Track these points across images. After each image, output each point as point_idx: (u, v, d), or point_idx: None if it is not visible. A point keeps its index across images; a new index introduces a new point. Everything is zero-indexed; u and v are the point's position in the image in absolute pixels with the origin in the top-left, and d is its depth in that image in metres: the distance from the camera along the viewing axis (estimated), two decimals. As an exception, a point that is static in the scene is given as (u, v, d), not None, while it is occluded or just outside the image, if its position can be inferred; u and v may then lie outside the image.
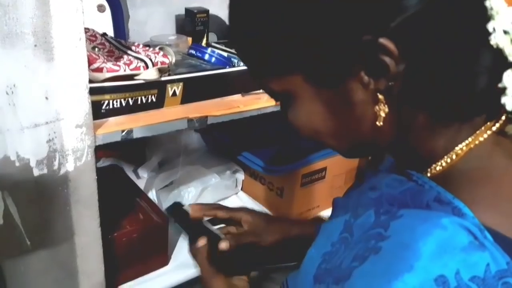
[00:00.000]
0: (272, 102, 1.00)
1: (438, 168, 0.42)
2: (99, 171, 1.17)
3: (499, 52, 0.38)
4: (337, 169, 1.29)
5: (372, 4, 0.37)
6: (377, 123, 0.42)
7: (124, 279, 0.96)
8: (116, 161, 1.23)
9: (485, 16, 0.38)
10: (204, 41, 1.12)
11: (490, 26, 0.38)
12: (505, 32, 0.38)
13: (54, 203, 0.74)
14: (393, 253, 0.36)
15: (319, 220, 0.75)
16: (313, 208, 1.28)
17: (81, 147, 0.72)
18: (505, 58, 0.38)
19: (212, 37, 1.22)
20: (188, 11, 1.11)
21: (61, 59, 0.65)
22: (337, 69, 0.41)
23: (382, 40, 0.38)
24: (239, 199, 1.34)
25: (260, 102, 0.99)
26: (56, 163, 0.71)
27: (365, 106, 0.42)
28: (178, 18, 1.20)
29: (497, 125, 0.42)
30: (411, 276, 0.34)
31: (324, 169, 1.26)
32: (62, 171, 0.72)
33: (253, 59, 0.46)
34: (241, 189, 1.37)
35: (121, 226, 0.93)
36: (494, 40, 0.38)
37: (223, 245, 0.66)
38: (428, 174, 0.43)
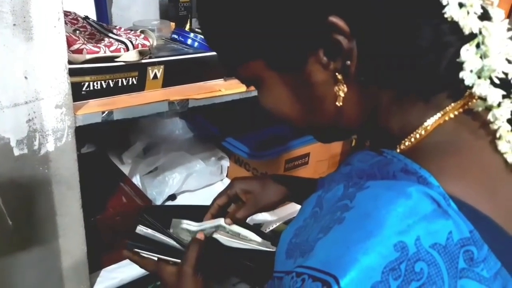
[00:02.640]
0: (254, 86, 1.02)
1: (407, 143, 0.42)
2: (83, 157, 1.19)
3: (456, 26, 0.38)
4: (320, 154, 1.31)
5: None
6: (337, 103, 0.43)
7: (108, 261, 0.97)
8: (100, 147, 1.23)
9: None
10: (188, 26, 1.13)
11: None
12: (461, 5, 0.38)
13: (35, 183, 0.74)
14: (355, 222, 0.36)
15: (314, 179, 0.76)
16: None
17: (61, 128, 0.72)
18: (462, 32, 0.38)
19: (196, 22, 1.22)
20: (171, -4, 1.12)
21: (40, 39, 0.66)
22: (295, 53, 0.42)
23: (332, 18, 0.39)
24: (224, 186, 1.34)
25: (243, 86, 0.99)
26: (36, 143, 0.71)
27: (326, 87, 0.43)
28: (161, 4, 1.21)
29: (466, 103, 0.41)
30: (369, 242, 0.33)
31: (307, 154, 1.27)
32: (42, 151, 0.72)
33: (218, 47, 0.48)
34: (226, 175, 1.38)
35: (104, 209, 0.94)
36: (449, 12, 0.38)
37: (227, 221, 0.70)
38: (398, 150, 0.43)
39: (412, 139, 0.42)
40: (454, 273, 0.33)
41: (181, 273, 0.64)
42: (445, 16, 0.38)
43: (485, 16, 0.39)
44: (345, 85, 0.42)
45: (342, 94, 0.42)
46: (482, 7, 0.39)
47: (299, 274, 0.37)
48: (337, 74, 0.41)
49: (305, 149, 1.27)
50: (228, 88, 0.95)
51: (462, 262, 0.33)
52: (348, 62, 0.40)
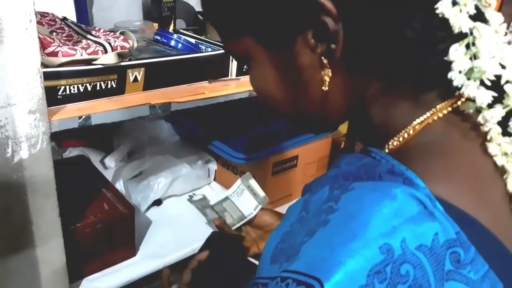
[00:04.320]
0: (239, 88, 0.99)
1: (395, 143, 0.42)
2: (65, 161, 1.16)
3: (447, 24, 0.37)
4: (309, 157, 1.28)
5: None
6: (323, 87, 0.42)
7: (90, 270, 0.94)
8: (83, 151, 1.20)
9: None
10: (172, 27, 1.10)
11: None
12: (454, 3, 0.37)
13: (9, 192, 0.71)
14: (340, 224, 0.35)
15: None
16: (285, 197, 1.28)
17: (35, 134, 0.69)
18: (452, 30, 0.37)
19: (181, 23, 1.19)
20: (154, -4, 1.09)
21: (10, 42, 0.63)
22: (284, 32, 0.42)
23: None
24: (212, 189, 1.32)
25: (228, 88, 0.97)
26: (9, 150, 0.68)
27: (312, 71, 0.42)
28: (145, 4, 1.18)
29: (457, 103, 0.41)
30: (354, 244, 0.32)
31: (296, 157, 1.25)
32: (16, 159, 0.69)
33: (214, 21, 0.49)
34: (214, 179, 1.35)
35: (85, 217, 0.91)
36: (441, 8, 0.37)
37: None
38: (386, 150, 0.42)
39: (401, 139, 0.41)
40: (440, 275, 0.32)
41: None
42: (437, 12, 0.37)
43: (479, 17, 0.38)
44: (330, 70, 0.42)
45: (327, 79, 0.42)
46: (478, 9, 0.38)
47: (283, 279, 0.36)
48: (322, 58, 0.41)
49: (294, 151, 1.25)
50: (212, 91, 0.93)
51: (449, 264, 0.32)
52: (333, 46, 0.40)
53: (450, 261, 0.32)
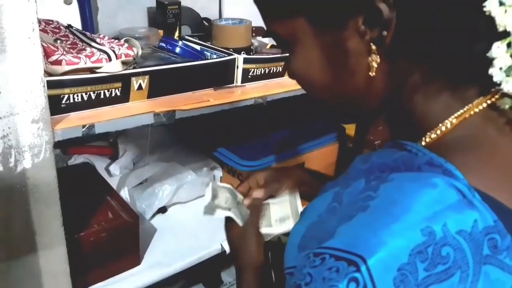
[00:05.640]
0: (245, 96, 0.98)
1: (433, 136, 0.43)
2: (70, 169, 1.16)
3: (492, 22, 0.39)
4: (315, 164, 1.27)
5: None
6: (370, 73, 0.43)
7: (94, 279, 0.93)
8: (88, 158, 1.19)
9: None
10: (177, 34, 1.09)
11: None
12: (500, 3, 0.38)
13: (12, 202, 0.70)
14: (381, 208, 0.36)
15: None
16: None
17: (39, 143, 0.69)
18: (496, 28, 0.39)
19: (186, 30, 1.19)
20: (159, 3, 1.08)
21: (13, 50, 0.62)
22: (338, 14, 0.42)
23: None
24: (217, 196, 1.31)
25: (233, 96, 0.96)
26: (12, 160, 0.68)
27: (359, 58, 0.43)
28: (150, 11, 1.17)
29: (492, 99, 0.42)
30: (397, 226, 0.34)
31: (302, 164, 1.24)
32: (19, 168, 0.69)
33: (265, 1, 0.48)
34: (219, 186, 1.34)
35: (89, 226, 0.90)
36: (488, 6, 0.38)
37: (256, 193, 0.74)
38: (423, 143, 0.43)
39: (438, 132, 0.42)
40: (478, 259, 0.34)
41: (246, 234, 0.70)
42: (484, 9, 0.39)
43: None
44: (378, 56, 0.42)
45: (375, 65, 0.43)
46: None
47: (317, 254, 0.37)
48: (371, 44, 0.42)
49: (300, 158, 1.23)
50: (217, 98, 0.92)
51: (487, 249, 0.34)
52: (385, 33, 0.40)
53: (488, 246, 0.34)
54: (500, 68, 0.39)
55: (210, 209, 0.72)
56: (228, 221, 0.74)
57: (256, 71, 1.02)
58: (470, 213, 0.34)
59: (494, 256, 0.35)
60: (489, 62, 0.40)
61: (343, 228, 0.37)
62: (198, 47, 1.04)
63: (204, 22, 1.23)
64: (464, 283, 0.34)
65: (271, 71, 1.04)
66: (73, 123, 0.73)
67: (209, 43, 1.08)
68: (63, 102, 0.73)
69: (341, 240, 0.37)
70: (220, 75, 0.97)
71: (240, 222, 0.72)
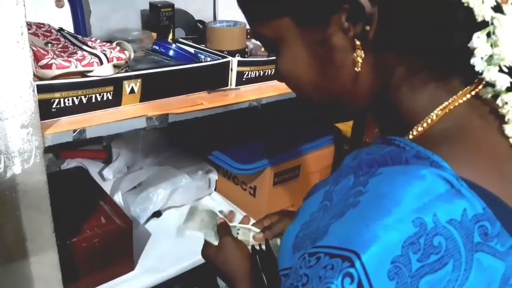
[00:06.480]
0: (239, 99, 0.97)
1: (419, 129, 0.43)
2: (63, 173, 1.14)
3: (470, 13, 0.39)
4: (311, 166, 1.26)
5: None
6: (356, 68, 0.43)
7: (87, 285, 0.92)
8: (81, 162, 1.18)
9: None
10: (170, 36, 1.08)
11: None
12: None
13: (2, 208, 0.69)
14: (371, 202, 0.37)
15: None
16: (287, 208, 1.25)
17: (28, 149, 0.68)
18: (475, 19, 0.40)
19: (180, 32, 1.18)
20: (152, 5, 1.07)
21: (1, 55, 0.61)
22: (321, 9, 0.43)
23: None
24: (213, 200, 1.30)
25: (227, 99, 0.95)
26: (1, 165, 0.67)
27: (344, 53, 0.43)
28: (143, 13, 1.16)
29: (476, 89, 0.43)
30: (388, 219, 0.35)
31: (298, 167, 1.23)
32: (8, 174, 0.68)
33: (251, 3, 0.48)
34: (215, 189, 1.33)
35: (81, 231, 0.89)
36: None
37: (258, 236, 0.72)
38: (410, 137, 0.44)
39: (425, 124, 0.43)
40: (470, 247, 0.34)
41: (223, 246, 0.70)
42: (463, 0, 0.39)
43: (499, 10, 0.40)
44: (362, 51, 0.43)
45: (360, 60, 0.43)
46: (497, 2, 0.40)
47: (312, 254, 0.38)
48: (356, 40, 0.42)
49: (296, 161, 1.23)
50: (211, 102, 0.91)
51: (477, 237, 0.35)
52: (368, 27, 0.41)
53: (479, 234, 0.35)
54: (482, 58, 0.40)
55: (180, 230, 0.73)
56: (204, 246, 0.74)
57: (251, 74, 1.01)
58: (459, 202, 0.35)
59: (485, 243, 0.35)
60: (471, 52, 0.41)
61: (336, 226, 0.38)
62: (192, 50, 1.03)
63: (198, 24, 1.22)
64: (457, 271, 0.34)
65: (266, 74, 1.04)
66: (64, 127, 0.72)
67: (203, 45, 1.07)
68: (54, 106, 0.72)
69: (334, 237, 0.37)
70: (214, 78, 0.96)
71: (214, 241, 0.72)
